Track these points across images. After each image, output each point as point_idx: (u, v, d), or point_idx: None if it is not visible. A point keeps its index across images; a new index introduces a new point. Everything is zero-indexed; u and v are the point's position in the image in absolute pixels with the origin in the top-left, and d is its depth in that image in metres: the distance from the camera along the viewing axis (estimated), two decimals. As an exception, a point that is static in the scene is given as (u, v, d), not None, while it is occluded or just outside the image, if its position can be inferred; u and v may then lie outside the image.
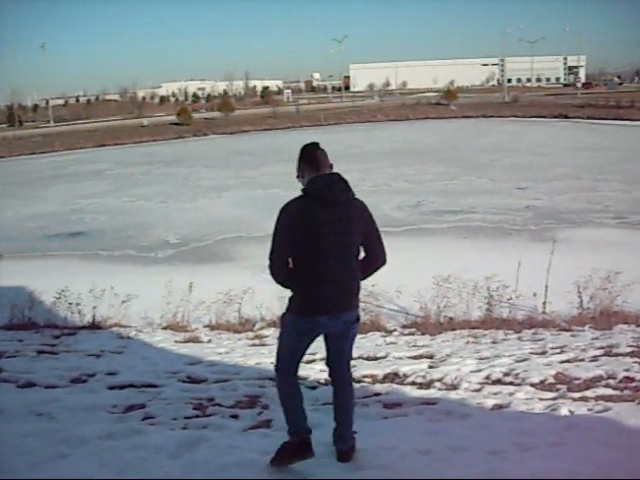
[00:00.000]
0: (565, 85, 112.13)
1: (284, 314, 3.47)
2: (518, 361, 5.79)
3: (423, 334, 7.56)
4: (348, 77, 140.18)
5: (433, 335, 7.45)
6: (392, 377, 5.58)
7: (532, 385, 5.11)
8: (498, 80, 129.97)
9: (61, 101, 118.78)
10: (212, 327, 8.57)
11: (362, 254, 3.47)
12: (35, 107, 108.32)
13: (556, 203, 21.16)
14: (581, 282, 8.29)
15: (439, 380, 5.37)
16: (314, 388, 5.14)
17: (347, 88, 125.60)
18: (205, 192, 27.25)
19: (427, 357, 6.22)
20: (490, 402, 4.72)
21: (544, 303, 8.49)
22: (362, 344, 6.71)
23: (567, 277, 8.38)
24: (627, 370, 5.21)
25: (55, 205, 26.25)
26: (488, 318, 8.10)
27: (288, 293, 3.45)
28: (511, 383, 5.22)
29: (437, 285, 8.57)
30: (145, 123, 67.91)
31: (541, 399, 4.74)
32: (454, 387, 5.20)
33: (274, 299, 7.46)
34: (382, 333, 7.71)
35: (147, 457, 3.67)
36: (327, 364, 3.60)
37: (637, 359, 5.55)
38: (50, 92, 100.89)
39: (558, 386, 5.04)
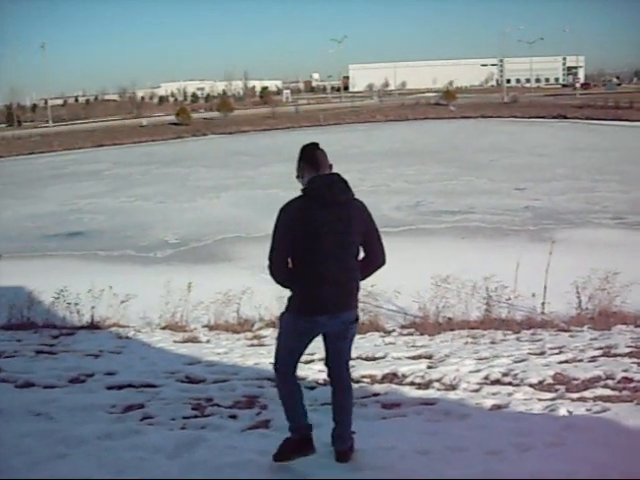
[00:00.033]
0: (564, 86, 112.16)
1: (283, 314, 3.47)
2: (517, 361, 5.79)
3: (422, 334, 7.56)
4: (347, 77, 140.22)
5: (432, 335, 7.45)
6: (391, 377, 5.58)
7: (531, 385, 5.11)
8: (497, 80, 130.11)
9: (60, 101, 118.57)
10: (211, 327, 8.57)
11: (362, 254, 3.47)
12: (34, 107, 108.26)
13: (555, 203, 21.17)
14: (580, 282, 8.29)
15: (438, 380, 5.37)
16: (313, 388, 5.13)
17: (346, 88, 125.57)
18: (204, 192, 27.23)
19: (426, 357, 6.22)
20: (489, 402, 4.72)
21: (543, 303, 8.50)
22: (361, 344, 6.71)
23: (566, 277, 8.39)
24: (625, 370, 5.21)
25: (54, 205, 26.23)
26: (487, 318, 8.10)
27: (287, 293, 3.45)
28: (510, 383, 5.23)
29: (436, 285, 8.57)
30: (144, 123, 67.87)
31: (540, 399, 4.74)
32: (453, 387, 5.20)
33: (273, 299, 7.46)
34: (381, 333, 7.71)
35: (146, 457, 3.67)
36: (326, 364, 3.60)
37: (635, 359, 5.55)
38: (49, 92, 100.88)
39: (557, 386, 5.04)
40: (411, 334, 7.65)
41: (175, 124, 65.08)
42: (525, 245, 14.78)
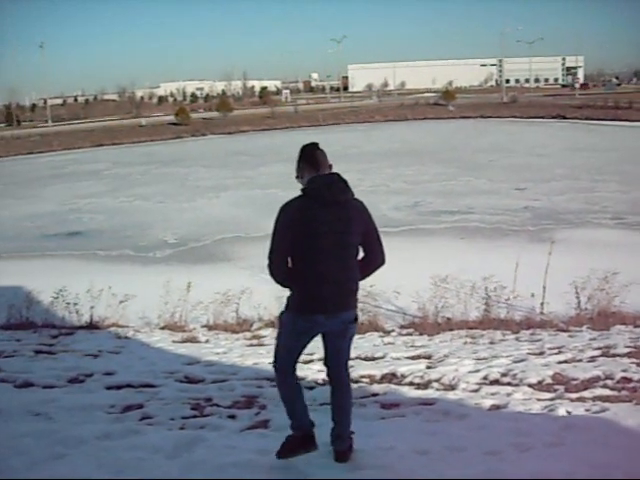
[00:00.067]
0: (563, 86, 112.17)
1: (282, 313, 3.48)
2: (516, 361, 5.79)
3: (421, 334, 7.56)
4: (346, 77, 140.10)
5: (431, 335, 7.45)
6: (390, 377, 5.58)
7: (530, 386, 5.11)
8: (496, 81, 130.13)
9: (59, 101, 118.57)
10: (210, 327, 8.57)
11: (361, 254, 3.47)
12: (33, 107, 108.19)
13: (554, 204, 21.17)
14: (579, 283, 8.29)
15: (437, 380, 5.37)
16: (312, 388, 5.13)
17: (345, 88, 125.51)
18: (203, 192, 27.22)
19: (425, 357, 6.22)
20: (488, 402, 4.72)
21: (542, 304, 8.50)
22: (360, 344, 6.70)
23: (565, 278, 8.39)
24: (625, 371, 5.21)
25: (53, 205, 26.22)
26: (486, 318, 8.10)
27: (286, 293, 3.45)
28: (509, 383, 5.23)
29: (435, 285, 8.57)
30: (143, 123, 67.84)
31: (539, 399, 4.74)
32: (452, 387, 5.20)
33: (272, 299, 7.46)
34: (380, 333, 7.71)
35: (145, 457, 3.67)
36: (325, 364, 3.60)
37: (635, 360, 5.55)
38: (48, 92, 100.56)
39: (556, 387, 5.04)
40: (410, 334, 7.65)
41: (174, 124, 65.03)
42: (524, 245, 14.78)
